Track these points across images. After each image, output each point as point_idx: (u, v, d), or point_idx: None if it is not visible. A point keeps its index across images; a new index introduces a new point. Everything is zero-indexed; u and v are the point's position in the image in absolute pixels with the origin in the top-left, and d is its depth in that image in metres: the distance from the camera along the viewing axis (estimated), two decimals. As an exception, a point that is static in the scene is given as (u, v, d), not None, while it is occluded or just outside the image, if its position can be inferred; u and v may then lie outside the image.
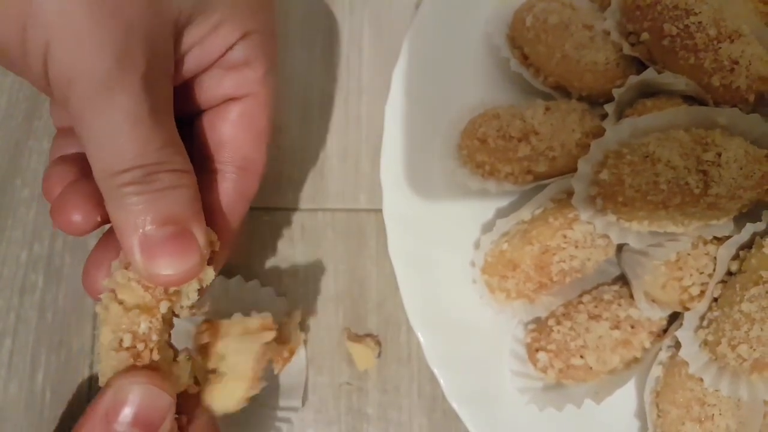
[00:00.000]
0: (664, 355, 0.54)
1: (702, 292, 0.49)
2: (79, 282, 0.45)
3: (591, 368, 0.51)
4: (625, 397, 0.55)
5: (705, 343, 0.49)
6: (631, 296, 0.53)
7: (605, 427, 0.54)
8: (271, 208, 0.61)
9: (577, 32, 0.56)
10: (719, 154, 0.47)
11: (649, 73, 0.52)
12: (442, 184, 0.57)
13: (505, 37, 0.59)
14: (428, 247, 0.56)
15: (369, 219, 0.61)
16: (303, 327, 0.58)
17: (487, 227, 0.57)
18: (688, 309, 0.50)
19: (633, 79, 0.53)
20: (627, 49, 0.54)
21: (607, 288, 0.54)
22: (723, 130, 0.50)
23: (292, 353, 0.54)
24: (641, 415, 0.54)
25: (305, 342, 0.58)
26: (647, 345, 0.52)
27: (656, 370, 0.53)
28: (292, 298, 0.59)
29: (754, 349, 0.46)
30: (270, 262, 0.61)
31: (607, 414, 0.55)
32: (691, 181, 0.47)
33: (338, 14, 0.66)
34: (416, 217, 0.56)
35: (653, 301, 0.51)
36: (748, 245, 0.49)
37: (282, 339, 0.54)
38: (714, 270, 0.49)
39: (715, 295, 0.49)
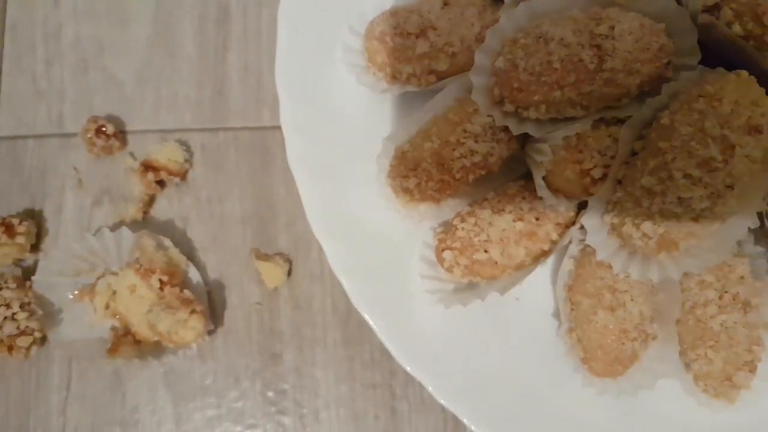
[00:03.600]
0: (575, 249, 0.52)
1: (605, 176, 0.48)
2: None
3: (496, 262, 0.49)
4: (543, 299, 0.54)
5: (612, 227, 0.47)
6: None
7: (522, 329, 0.53)
8: (168, 129, 0.58)
9: None
10: (612, 27, 0.45)
11: (543, -43, 0.50)
12: (344, 90, 0.55)
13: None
14: (331, 156, 0.53)
15: (275, 136, 0.59)
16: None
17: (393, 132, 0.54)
18: (591, 195, 0.48)
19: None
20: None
21: (512, 184, 0.52)
22: (621, 7, 0.48)
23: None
24: (559, 315, 0.53)
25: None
26: (554, 237, 0.50)
27: (567, 264, 0.52)
28: (194, 223, 0.57)
29: (658, 225, 0.44)
30: (169, 186, 0.58)
31: (525, 315, 0.54)
32: (585, 56, 0.45)
33: (232, -74, 0.63)
34: (316, 125, 0.53)
35: (556, 190, 0.49)
36: (650, 123, 0.48)
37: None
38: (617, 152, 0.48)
39: (619, 178, 0.47)
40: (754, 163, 0.43)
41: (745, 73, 0.45)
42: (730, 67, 0.46)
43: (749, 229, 0.48)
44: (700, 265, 0.46)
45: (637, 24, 0.46)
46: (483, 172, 0.51)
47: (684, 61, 0.48)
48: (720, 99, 0.43)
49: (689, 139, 0.43)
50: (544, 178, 0.49)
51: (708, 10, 0.46)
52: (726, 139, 0.42)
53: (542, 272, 0.54)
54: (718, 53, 0.49)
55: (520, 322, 0.54)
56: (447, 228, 0.52)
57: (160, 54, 0.60)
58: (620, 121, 0.48)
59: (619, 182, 0.47)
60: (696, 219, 0.44)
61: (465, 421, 0.48)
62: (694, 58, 0.48)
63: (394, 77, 0.54)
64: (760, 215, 0.49)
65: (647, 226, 0.45)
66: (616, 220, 0.47)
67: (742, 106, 0.43)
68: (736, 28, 0.46)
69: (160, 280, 0.53)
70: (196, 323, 0.51)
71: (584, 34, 0.46)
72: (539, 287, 0.54)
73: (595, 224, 0.48)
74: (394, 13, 0.54)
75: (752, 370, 0.50)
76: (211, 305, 0.55)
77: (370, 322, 0.49)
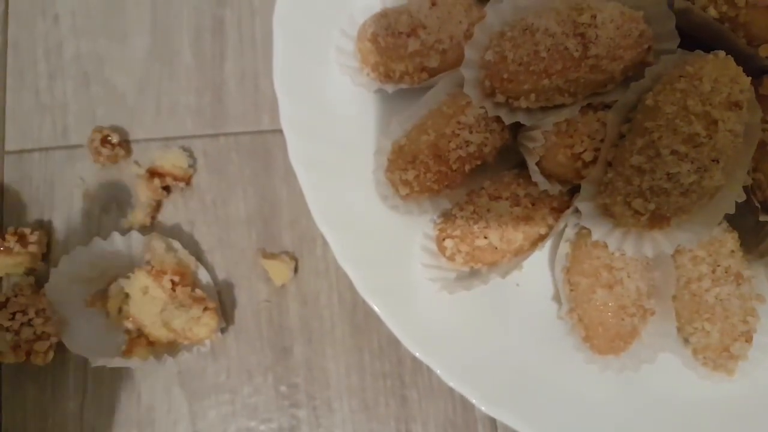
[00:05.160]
0: (571, 233, 0.54)
1: (596, 159, 0.50)
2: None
3: (496, 248, 0.51)
4: (542, 283, 0.56)
5: (605, 207, 0.49)
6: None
7: (523, 312, 0.55)
8: (171, 137, 0.60)
9: (458, -75, 0.55)
10: (594, 16, 0.47)
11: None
12: (339, 90, 0.57)
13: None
14: (330, 153, 0.55)
15: (275, 139, 0.61)
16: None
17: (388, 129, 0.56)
18: (583, 177, 0.50)
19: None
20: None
21: (507, 172, 0.54)
22: (601, -2, 0.50)
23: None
24: (559, 299, 0.55)
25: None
26: (550, 221, 0.52)
27: (564, 248, 0.54)
28: (200, 226, 0.58)
29: (649, 202, 0.46)
30: (175, 192, 0.60)
31: (526, 300, 0.55)
32: (570, 44, 0.47)
33: (224, -61, 0.65)
34: (315, 124, 0.55)
35: (549, 175, 0.51)
36: (636, 106, 0.49)
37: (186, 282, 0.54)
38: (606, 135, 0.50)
39: (609, 159, 0.49)
40: (736, 137, 0.45)
41: (722, 53, 0.47)
42: (708, 49, 0.48)
43: (737, 203, 0.51)
44: (692, 238, 0.48)
45: (617, 12, 0.48)
46: (478, 162, 0.53)
47: (664, 46, 0.50)
48: (700, 78, 0.45)
49: (674, 117, 0.45)
50: (537, 164, 0.51)
51: (685, -6, 0.49)
52: (708, 115, 0.44)
53: (541, 258, 0.56)
54: (695, 37, 0.51)
55: (521, 306, 0.55)
56: (446, 217, 0.54)
57: (158, 65, 0.62)
58: (607, 106, 0.50)
59: (610, 164, 0.49)
60: (685, 194, 0.46)
61: (473, 401, 0.49)
62: (673, 42, 0.50)
63: (388, 76, 0.56)
64: (745, 189, 0.51)
65: (638, 203, 0.47)
66: (608, 200, 0.48)
67: (722, 83, 0.45)
68: (711, 12, 0.48)
69: (172, 281, 0.54)
70: (210, 320, 0.53)
71: (568, 23, 0.48)
72: (538, 272, 0.56)
73: (588, 206, 0.50)
74: (384, 14, 0.56)
75: (748, 340, 0.51)
76: (221, 304, 0.57)
77: (376, 309, 0.51)
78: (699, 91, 0.45)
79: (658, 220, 0.47)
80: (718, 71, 0.46)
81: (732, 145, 0.45)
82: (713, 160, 0.45)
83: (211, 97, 0.61)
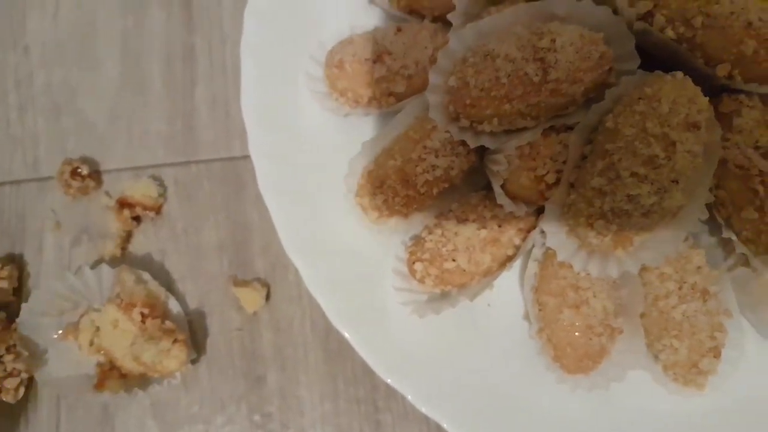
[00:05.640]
0: (538, 252, 0.54)
1: (559, 180, 0.50)
2: None
3: (464, 270, 0.51)
4: (513, 302, 0.56)
5: (570, 228, 0.50)
6: (498, 197, 0.53)
7: (495, 332, 0.55)
8: (141, 166, 0.60)
9: (419, -49, 0.56)
10: (554, 40, 0.48)
11: (485, -22, 0.53)
12: (308, 116, 0.57)
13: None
14: (300, 179, 0.55)
15: (246, 165, 0.61)
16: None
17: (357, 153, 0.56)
18: (547, 199, 0.51)
19: (469, -15, 0.53)
20: (465, -42, 0.54)
21: (474, 194, 0.55)
22: (561, 21, 0.51)
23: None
24: (529, 317, 0.55)
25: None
26: (517, 242, 0.52)
27: (532, 267, 0.54)
28: (171, 255, 0.58)
29: (611, 223, 0.47)
30: (145, 221, 0.60)
31: (497, 320, 0.56)
32: (530, 69, 0.48)
33: (193, -32, 0.65)
34: (284, 150, 0.55)
35: (515, 197, 0.52)
36: (597, 128, 0.50)
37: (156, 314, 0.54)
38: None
39: (572, 181, 0.50)
40: (695, 157, 0.46)
41: (680, 74, 0.47)
42: (668, 69, 0.49)
43: (702, 221, 0.52)
44: (656, 257, 0.48)
45: (577, 35, 0.49)
46: (446, 185, 0.54)
47: (624, 67, 0.51)
48: (659, 99, 0.46)
49: (633, 139, 0.46)
50: (502, 187, 0.51)
51: (642, 17, 0.49)
52: (667, 137, 0.45)
53: (512, 277, 0.56)
54: (656, 56, 0.52)
55: (493, 326, 0.55)
56: (416, 241, 0.54)
57: (130, 93, 0.62)
58: (570, 128, 0.51)
59: (572, 185, 0.50)
60: (646, 214, 0.46)
61: (445, 425, 0.50)
62: (634, 63, 0.51)
63: (356, 101, 0.56)
64: (708, 206, 0.52)
65: (601, 224, 0.47)
66: (572, 222, 0.49)
67: (680, 104, 0.46)
68: (669, 33, 0.49)
69: (142, 313, 0.54)
70: (179, 352, 0.53)
71: (528, 48, 0.48)
72: (509, 292, 0.56)
73: (553, 227, 0.50)
74: (350, 41, 0.56)
75: (716, 355, 0.52)
76: (193, 334, 0.57)
77: (348, 337, 0.51)
78: (657, 113, 0.46)
79: (621, 240, 0.48)
80: (677, 92, 0.46)
81: (691, 165, 0.46)
82: (673, 181, 0.46)
83: (182, 125, 0.61)
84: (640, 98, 0.47)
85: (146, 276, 0.56)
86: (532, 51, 0.48)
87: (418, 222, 0.55)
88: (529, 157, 0.50)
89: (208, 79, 0.63)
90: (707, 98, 0.47)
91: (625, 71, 0.51)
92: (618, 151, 0.46)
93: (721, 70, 0.49)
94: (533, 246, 0.54)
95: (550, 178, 0.50)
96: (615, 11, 0.51)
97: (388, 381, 0.50)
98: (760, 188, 0.49)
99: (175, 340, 0.53)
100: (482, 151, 0.54)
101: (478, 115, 0.50)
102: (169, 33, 0.63)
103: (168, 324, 0.54)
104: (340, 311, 0.52)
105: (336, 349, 0.57)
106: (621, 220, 0.47)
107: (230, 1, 0.64)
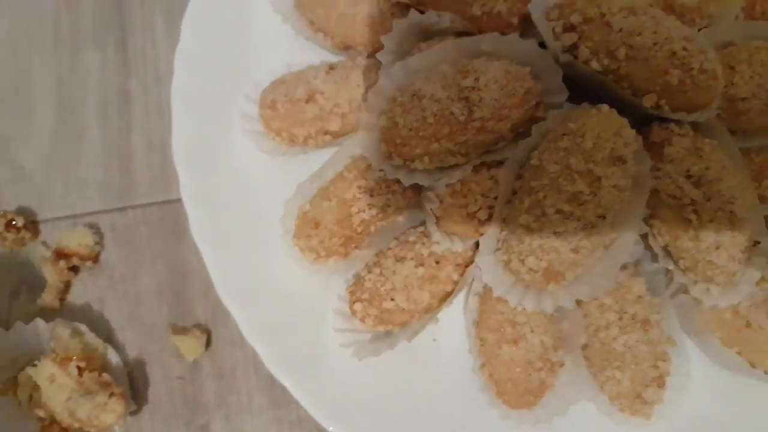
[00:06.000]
0: (478, 286, 0.54)
1: (492, 216, 0.50)
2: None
3: (404, 309, 0.51)
4: (459, 337, 0.55)
5: (505, 263, 0.49)
6: (435, 233, 0.53)
7: (440, 368, 0.54)
8: (78, 214, 0.59)
9: (347, -12, 0.56)
10: (477, 78, 0.48)
11: (413, 16, 0.53)
12: (243, 157, 0.56)
13: (293, 4, 0.59)
14: (236, 223, 0.55)
15: (183, 209, 0.59)
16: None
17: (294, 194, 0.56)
18: (482, 234, 0.50)
19: (398, 25, 0.53)
20: (393, -6, 0.54)
21: (413, 230, 0.54)
22: (489, 56, 0.51)
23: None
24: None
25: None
26: (455, 277, 0.52)
27: (473, 301, 0.54)
28: (110, 303, 0.57)
29: (541, 259, 0.47)
30: (83, 270, 0.59)
31: (443, 355, 0.55)
32: (455, 109, 0.48)
33: (129, 9, 0.65)
34: (218, 194, 0.55)
35: (452, 233, 0.51)
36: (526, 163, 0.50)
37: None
38: (500, 192, 0.50)
39: (504, 217, 0.49)
40: (621, 191, 0.46)
41: (605, 107, 0.47)
42: (599, 99, 0.49)
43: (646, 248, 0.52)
44: (590, 291, 0.48)
45: (501, 72, 0.48)
46: (384, 222, 0.53)
47: (553, 100, 0.51)
48: (582, 135, 0.46)
49: (557, 176, 0.45)
50: (436, 224, 0.51)
51: (568, 50, 0.49)
52: (591, 173, 0.45)
53: (457, 311, 0.56)
54: (587, 88, 0.52)
55: (438, 362, 0.55)
56: (357, 280, 0.53)
57: (65, 140, 0.62)
58: (501, 163, 0.51)
59: (504, 221, 0.50)
60: (575, 250, 0.46)
61: (388, 470, 0.49)
62: (562, 95, 0.51)
63: (292, 140, 0.56)
64: (644, 236, 0.52)
65: (531, 260, 0.47)
66: (505, 258, 0.49)
67: (604, 139, 0.46)
68: (594, 65, 0.49)
69: (78, 367, 0.53)
70: (116, 405, 0.52)
71: (452, 87, 0.48)
72: (455, 326, 0.56)
73: (488, 262, 0.50)
74: (282, 81, 0.56)
75: (660, 385, 0.51)
76: (134, 384, 0.56)
77: (287, 385, 0.50)
78: (581, 149, 0.46)
79: (552, 275, 0.47)
80: (601, 126, 0.46)
81: (618, 199, 0.46)
82: (599, 217, 0.45)
83: (118, 170, 0.61)
84: (564, 134, 0.47)
85: (83, 328, 0.55)
86: (456, 90, 0.48)
87: (358, 260, 0.54)
88: (460, 194, 0.50)
89: (144, 122, 0.62)
90: (634, 130, 0.47)
91: (553, 104, 0.51)
92: (543, 188, 0.46)
93: (647, 101, 0.49)
94: (473, 280, 0.54)
95: (482, 215, 0.50)
96: (542, 44, 0.51)
97: (329, 429, 0.50)
98: (693, 217, 0.49)
99: (112, 394, 0.52)
100: (420, 186, 0.53)
101: (409, 153, 0.50)
102: (105, 76, 0.63)
103: (105, 376, 0.53)
104: (278, 357, 0.51)
105: (280, 394, 0.56)
106: (550, 256, 0.46)
107: (165, 40, 0.64)
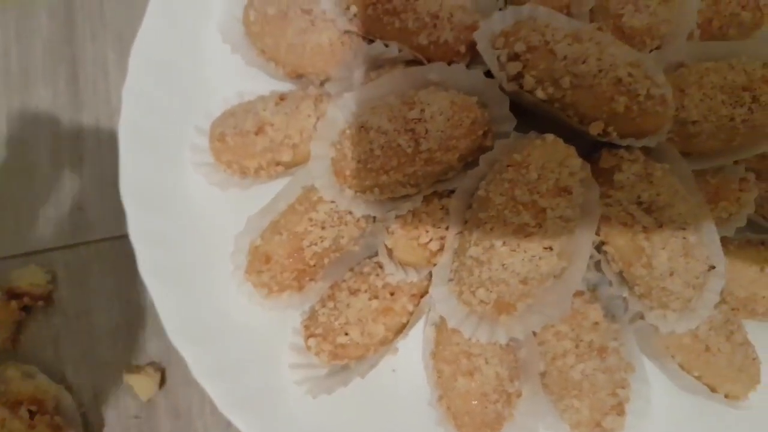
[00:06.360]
0: (435, 316, 0.53)
1: (443, 246, 0.49)
2: None
3: (358, 343, 0.50)
4: (419, 368, 0.55)
5: (458, 294, 0.49)
6: (391, 265, 0.52)
7: (399, 400, 0.54)
8: (30, 252, 0.58)
9: (296, 18, 0.55)
10: (423, 110, 0.48)
11: (362, 45, 0.52)
12: (192, 192, 0.56)
13: (242, 34, 0.58)
14: (184, 259, 0.54)
15: (136, 244, 0.59)
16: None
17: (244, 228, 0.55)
18: (435, 264, 0.50)
19: (346, 54, 0.53)
20: (343, 24, 0.54)
21: (368, 261, 0.54)
22: (437, 86, 0.50)
23: None
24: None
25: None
26: (411, 308, 0.51)
27: (430, 332, 0.53)
28: (64, 342, 0.56)
29: (491, 291, 0.46)
30: (36, 308, 0.58)
31: (402, 387, 0.54)
32: (402, 141, 0.47)
33: (79, 43, 0.64)
34: (166, 231, 0.54)
35: (405, 264, 0.51)
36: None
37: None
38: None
39: (455, 247, 0.49)
40: (568, 221, 0.45)
41: (551, 136, 0.47)
42: (551, 125, 0.49)
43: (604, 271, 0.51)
44: (543, 321, 0.48)
45: (447, 103, 0.48)
46: (338, 254, 0.52)
47: (501, 129, 0.50)
48: (527, 166, 0.46)
49: (503, 208, 0.45)
50: (389, 255, 0.50)
51: (513, 78, 0.49)
52: (536, 204, 0.45)
53: (417, 340, 0.55)
54: (537, 114, 0.52)
55: (397, 394, 0.54)
56: (311, 314, 0.53)
57: (16, 177, 0.61)
58: (453, 192, 0.50)
59: (455, 252, 0.49)
60: (524, 281, 0.45)
61: None
62: (510, 124, 0.50)
63: (243, 172, 0.55)
64: (598, 263, 0.52)
65: (481, 292, 0.46)
66: (457, 289, 0.48)
67: (548, 169, 0.45)
68: (539, 94, 0.48)
69: (29, 411, 0.52)
70: None
71: (399, 120, 0.48)
72: (415, 357, 0.55)
73: (442, 293, 0.49)
74: (232, 113, 0.55)
75: (620, 413, 0.51)
76: (88, 425, 0.54)
77: (240, 426, 0.49)
78: (526, 180, 0.45)
79: (503, 306, 0.47)
80: (546, 156, 0.46)
81: (564, 230, 0.45)
82: (546, 248, 0.45)
83: (70, 206, 0.60)
84: (509, 165, 0.46)
85: (34, 370, 0.54)
86: (403, 122, 0.48)
87: (314, 293, 0.53)
88: (411, 225, 0.49)
89: (96, 156, 0.61)
90: (581, 159, 0.47)
91: (502, 133, 0.50)
92: (490, 219, 0.45)
93: (594, 129, 0.48)
94: (429, 309, 0.53)
95: (434, 246, 0.49)
96: (490, 73, 0.51)
97: (285, 468, 0.49)
98: (646, 244, 0.48)
99: None
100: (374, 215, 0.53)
101: (359, 185, 0.49)
102: (56, 111, 0.62)
103: (57, 419, 0.52)
104: (231, 397, 0.50)
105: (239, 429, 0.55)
106: (500, 288, 0.46)
107: (117, 72, 0.63)
